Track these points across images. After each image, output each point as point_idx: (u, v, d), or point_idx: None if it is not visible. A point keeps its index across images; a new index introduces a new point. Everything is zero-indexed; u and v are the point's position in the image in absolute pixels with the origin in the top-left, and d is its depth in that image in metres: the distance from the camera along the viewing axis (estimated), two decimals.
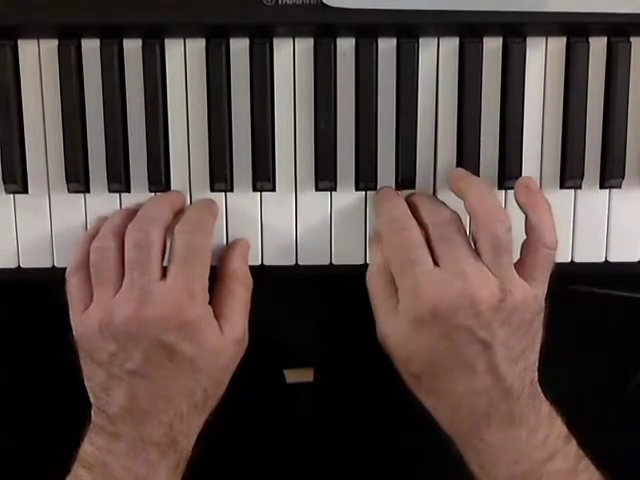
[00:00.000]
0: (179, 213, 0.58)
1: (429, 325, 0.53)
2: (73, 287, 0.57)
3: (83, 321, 0.56)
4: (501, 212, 0.55)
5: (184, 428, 0.56)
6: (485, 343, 0.53)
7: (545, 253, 0.55)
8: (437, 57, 0.60)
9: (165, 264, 0.56)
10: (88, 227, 0.61)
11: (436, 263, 0.54)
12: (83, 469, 0.55)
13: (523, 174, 0.60)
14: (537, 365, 0.56)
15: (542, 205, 0.56)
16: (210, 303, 0.56)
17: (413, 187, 0.61)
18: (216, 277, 0.58)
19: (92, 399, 0.56)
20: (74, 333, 0.56)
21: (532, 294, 0.54)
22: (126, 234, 0.55)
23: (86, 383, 0.57)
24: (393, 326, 0.55)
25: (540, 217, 0.55)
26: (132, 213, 0.57)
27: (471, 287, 0.52)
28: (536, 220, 0.55)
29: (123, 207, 0.61)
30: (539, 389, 0.56)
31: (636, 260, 0.62)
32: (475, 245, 0.55)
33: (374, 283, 0.57)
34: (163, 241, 0.56)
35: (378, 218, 0.59)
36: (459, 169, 0.59)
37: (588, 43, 0.59)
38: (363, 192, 0.61)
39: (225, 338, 0.56)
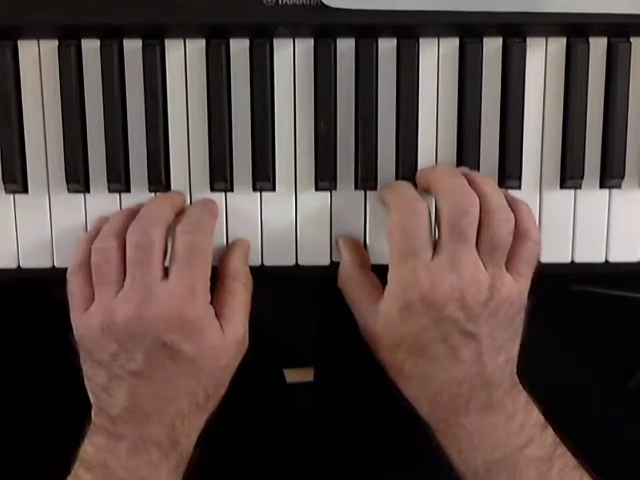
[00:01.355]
0: (180, 214, 0.58)
1: (419, 313, 0.54)
2: (74, 287, 0.57)
3: (84, 321, 0.56)
4: (507, 211, 0.56)
5: (185, 428, 0.56)
6: (471, 335, 0.55)
7: (531, 247, 0.57)
8: (437, 57, 0.60)
9: (166, 264, 0.56)
10: (88, 227, 0.61)
11: (436, 247, 0.55)
12: (83, 470, 0.54)
13: (523, 174, 0.60)
14: (517, 359, 0.57)
15: (524, 203, 0.58)
16: (210, 303, 0.56)
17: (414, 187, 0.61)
18: (217, 278, 0.58)
19: (92, 399, 0.56)
20: (75, 333, 0.56)
21: (517, 290, 0.56)
22: (127, 234, 0.55)
23: (86, 383, 0.56)
24: (381, 312, 0.56)
25: (525, 213, 0.57)
26: (133, 214, 0.57)
27: (463, 282, 0.54)
28: (522, 215, 0.57)
29: (123, 207, 0.61)
30: (517, 380, 0.57)
31: (636, 260, 0.62)
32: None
33: (354, 279, 0.59)
34: (165, 241, 0.56)
35: (386, 198, 0.58)
36: (463, 167, 0.60)
37: (588, 43, 0.59)
38: (363, 192, 0.61)
39: (226, 338, 0.56)
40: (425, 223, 0.55)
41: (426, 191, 0.58)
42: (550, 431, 0.57)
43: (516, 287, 0.56)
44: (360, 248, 0.61)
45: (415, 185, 0.59)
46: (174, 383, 0.54)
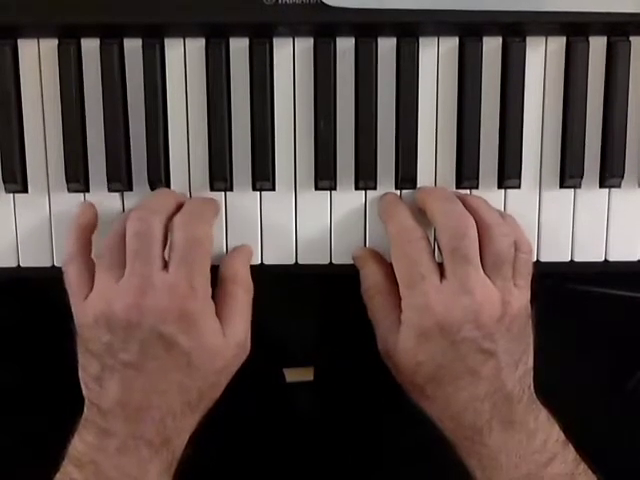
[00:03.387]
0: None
1: (435, 338, 0.55)
2: (70, 277, 0.57)
3: (83, 309, 0.55)
4: (504, 226, 0.56)
5: (176, 427, 0.55)
6: (489, 352, 0.55)
7: (523, 259, 0.57)
8: (437, 57, 0.60)
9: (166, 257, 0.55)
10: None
11: (442, 273, 0.55)
12: (73, 467, 0.54)
13: (522, 173, 0.60)
14: (532, 372, 0.58)
15: (509, 216, 0.59)
16: None
17: (413, 187, 0.61)
18: (217, 281, 0.58)
19: (84, 391, 0.56)
20: (75, 322, 0.56)
21: (525, 301, 0.57)
22: (127, 223, 0.55)
23: (80, 374, 0.56)
24: (398, 339, 0.56)
25: (512, 226, 0.58)
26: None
27: (476, 302, 0.54)
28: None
29: (124, 207, 0.60)
30: (535, 396, 0.58)
31: (635, 259, 0.62)
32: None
33: (375, 301, 0.59)
34: (164, 232, 0.55)
35: (386, 226, 0.59)
36: (455, 191, 0.60)
37: (588, 43, 0.59)
38: (363, 191, 0.61)
39: (226, 340, 0.55)
40: (425, 249, 0.56)
41: (423, 211, 0.59)
42: (571, 447, 0.57)
43: (524, 299, 0.57)
44: (379, 256, 0.61)
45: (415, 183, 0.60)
46: (167, 377, 0.54)
